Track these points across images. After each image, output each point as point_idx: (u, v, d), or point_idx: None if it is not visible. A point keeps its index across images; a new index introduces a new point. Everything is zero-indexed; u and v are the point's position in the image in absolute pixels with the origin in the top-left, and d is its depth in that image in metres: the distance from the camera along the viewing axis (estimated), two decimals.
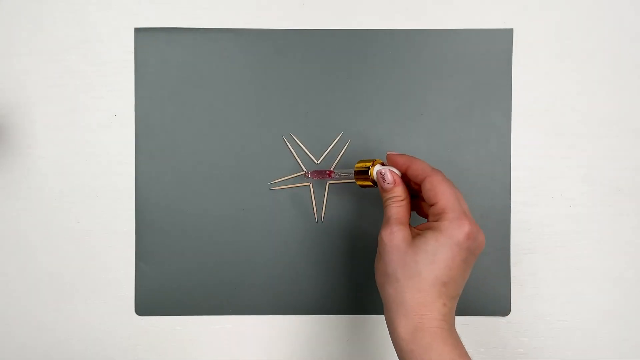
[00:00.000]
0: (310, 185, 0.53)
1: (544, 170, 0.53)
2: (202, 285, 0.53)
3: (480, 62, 0.52)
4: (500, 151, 0.53)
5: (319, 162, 0.53)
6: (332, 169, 0.52)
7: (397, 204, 0.40)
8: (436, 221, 0.38)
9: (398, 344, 0.38)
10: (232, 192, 0.53)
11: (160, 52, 0.53)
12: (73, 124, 0.53)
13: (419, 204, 0.44)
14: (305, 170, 0.52)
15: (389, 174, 0.41)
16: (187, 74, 0.53)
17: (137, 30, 0.53)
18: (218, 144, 0.53)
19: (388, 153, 0.42)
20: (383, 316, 0.53)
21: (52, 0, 0.53)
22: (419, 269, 0.37)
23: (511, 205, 0.53)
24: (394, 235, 0.38)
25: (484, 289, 0.53)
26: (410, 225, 0.41)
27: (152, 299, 0.53)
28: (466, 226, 0.37)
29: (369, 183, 0.43)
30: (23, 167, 0.53)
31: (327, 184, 0.52)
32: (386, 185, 0.41)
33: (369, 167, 0.43)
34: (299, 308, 0.53)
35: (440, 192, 0.38)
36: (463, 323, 0.52)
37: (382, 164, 0.43)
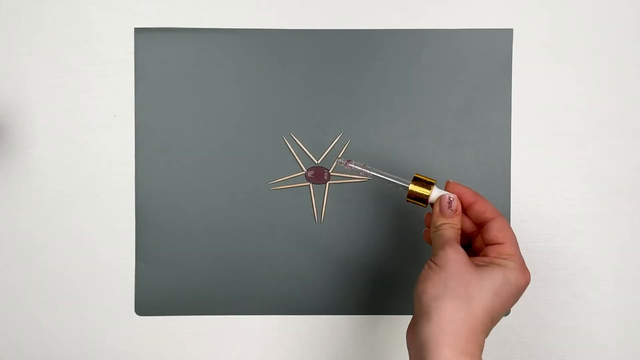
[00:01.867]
0: (310, 185, 0.53)
1: (544, 170, 0.53)
2: (202, 285, 0.53)
3: (480, 62, 0.52)
4: (500, 151, 0.53)
5: (319, 162, 0.53)
6: (330, 171, 0.52)
7: (454, 229, 0.40)
8: (504, 259, 0.39)
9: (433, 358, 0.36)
10: (232, 192, 0.53)
11: (160, 52, 0.53)
12: (73, 124, 0.53)
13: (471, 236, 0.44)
14: (305, 170, 0.52)
15: (456, 201, 0.41)
16: (187, 74, 0.53)
17: (137, 30, 0.53)
18: (218, 143, 0.53)
19: (451, 181, 0.42)
20: (383, 316, 0.53)
21: (52, 0, 0.53)
22: (482, 295, 0.37)
23: (511, 205, 0.53)
24: (463, 255, 0.38)
25: None
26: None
27: (152, 299, 0.53)
28: (528, 275, 0.39)
29: (417, 201, 0.42)
30: (23, 167, 0.53)
31: (327, 184, 0.52)
32: (449, 212, 0.41)
33: (426, 189, 0.41)
34: (299, 308, 0.53)
35: (509, 236, 0.40)
36: None
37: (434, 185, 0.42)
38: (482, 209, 0.41)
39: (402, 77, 0.52)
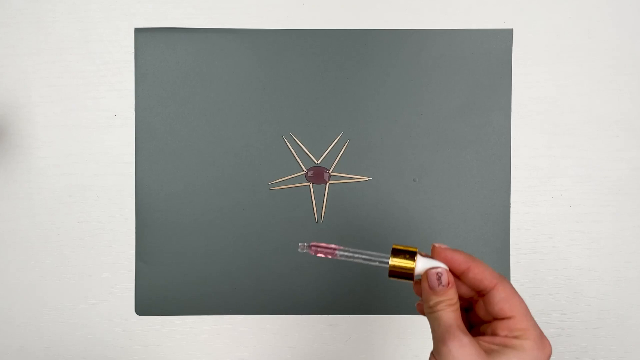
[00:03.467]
0: (310, 185, 0.53)
1: (544, 170, 0.53)
2: (202, 285, 0.53)
3: (480, 62, 0.52)
4: (500, 151, 0.53)
5: (319, 162, 0.53)
6: (330, 171, 0.52)
7: (451, 308, 0.34)
8: (515, 338, 0.33)
9: None
10: (232, 192, 0.53)
11: (160, 52, 0.53)
12: (73, 124, 0.53)
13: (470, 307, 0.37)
14: (305, 170, 0.52)
15: (446, 275, 0.34)
16: (187, 74, 0.53)
17: (137, 30, 0.53)
18: (218, 144, 0.53)
19: (437, 246, 0.35)
20: (383, 316, 0.53)
21: (52, 0, 0.53)
22: None
23: (511, 205, 0.53)
24: (469, 347, 0.32)
25: None
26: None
27: (152, 299, 0.53)
28: (548, 348, 0.33)
29: (402, 278, 0.35)
30: (23, 167, 0.53)
31: (327, 184, 0.52)
32: (440, 288, 0.34)
33: (410, 261, 0.35)
34: (299, 308, 0.53)
35: (517, 305, 0.33)
36: None
37: (421, 254, 0.35)
38: (479, 276, 0.34)
39: (402, 77, 0.52)
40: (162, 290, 0.53)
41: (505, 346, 0.33)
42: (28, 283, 0.53)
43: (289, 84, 0.53)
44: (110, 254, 0.53)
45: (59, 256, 0.53)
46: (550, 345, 0.33)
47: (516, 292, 0.34)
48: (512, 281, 0.53)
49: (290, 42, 0.52)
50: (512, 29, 0.53)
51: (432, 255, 0.35)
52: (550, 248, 0.53)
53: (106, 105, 0.53)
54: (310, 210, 0.53)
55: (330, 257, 0.36)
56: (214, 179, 0.53)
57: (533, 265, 0.53)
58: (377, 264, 0.36)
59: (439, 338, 0.33)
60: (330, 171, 0.52)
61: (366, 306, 0.53)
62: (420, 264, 0.34)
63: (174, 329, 0.53)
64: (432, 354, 0.33)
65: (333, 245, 0.36)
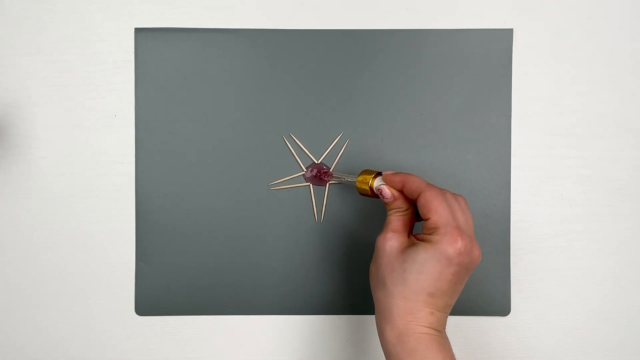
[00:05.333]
0: (310, 185, 0.53)
1: (544, 170, 0.53)
2: (202, 285, 0.53)
3: (480, 62, 0.52)
4: (500, 151, 0.53)
5: (319, 162, 0.53)
6: (331, 170, 0.52)
7: (398, 214, 0.42)
8: (429, 234, 0.39)
9: (385, 346, 0.40)
10: (232, 192, 0.53)
11: (160, 52, 0.53)
12: (73, 124, 0.53)
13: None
14: (304, 170, 0.52)
15: (386, 190, 0.42)
16: (187, 74, 0.53)
17: (137, 30, 0.53)
18: (218, 143, 0.53)
19: (384, 173, 0.43)
20: None
21: (52, 0, 0.53)
22: (405, 277, 0.38)
23: (511, 205, 0.53)
24: (387, 242, 0.40)
25: (484, 289, 0.53)
26: (411, 234, 0.42)
27: (152, 299, 0.53)
28: (458, 242, 0.37)
29: (370, 194, 0.45)
30: (23, 167, 0.53)
31: (327, 184, 0.52)
32: (386, 200, 0.42)
33: (369, 181, 0.44)
34: (299, 308, 0.53)
35: (434, 208, 0.39)
36: (463, 323, 0.52)
37: (381, 174, 0.44)
38: (412, 188, 0.40)
39: (402, 77, 0.52)
40: (162, 290, 0.53)
41: (422, 240, 0.39)
42: (28, 283, 0.53)
43: (289, 84, 0.53)
44: (110, 254, 0.53)
45: (59, 256, 0.53)
46: (462, 240, 0.37)
47: (440, 197, 0.39)
48: (512, 281, 0.53)
49: (290, 42, 0.52)
50: (512, 29, 0.53)
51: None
52: (550, 248, 0.53)
53: (106, 105, 0.53)
54: (310, 210, 0.53)
55: (326, 178, 0.51)
56: (214, 179, 0.53)
57: (533, 265, 0.53)
58: (351, 181, 0.47)
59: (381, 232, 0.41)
60: (330, 171, 0.52)
61: (366, 306, 0.53)
62: (376, 182, 0.44)
63: (174, 329, 0.53)
64: None
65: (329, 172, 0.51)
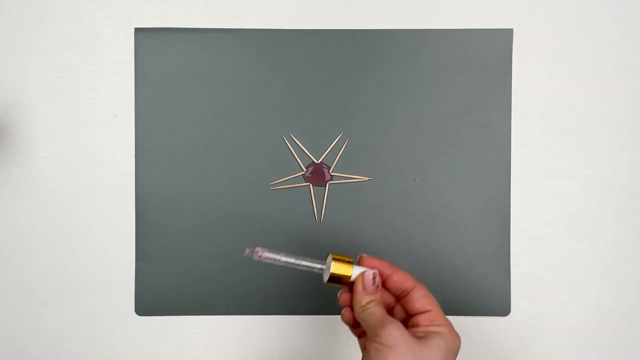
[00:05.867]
0: (310, 185, 0.53)
1: (544, 170, 0.53)
2: (202, 285, 0.53)
3: (480, 62, 0.52)
4: (500, 151, 0.53)
5: (318, 162, 0.53)
6: (331, 170, 0.52)
7: (381, 306, 0.39)
8: (436, 326, 0.39)
9: None
10: (232, 192, 0.53)
11: (160, 52, 0.53)
12: (73, 124, 0.53)
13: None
14: (304, 170, 0.52)
15: (379, 276, 0.40)
16: (187, 74, 0.53)
17: (137, 30, 0.53)
18: (218, 144, 0.53)
19: (365, 256, 0.41)
20: None
21: (53, 0, 0.53)
22: None
23: (511, 205, 0.53)
24: (403, 330, 0.37)
25: (484, 289, 0.53)
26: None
27: (152, 299, 0.53)
28: (458, 337, 0.39)
29: (338, 283, 0.40)
30: (23, 167, 0.53)
31: (327, 184, 0.52)
32: (373, 288, 0.39)
33: (348, 267, 0.39)
34: (299, 308, 0.53)
35: (434, 302, 0.40)
36: (463, 323, 0.52)
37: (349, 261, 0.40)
38: (402, 279, 0.40)
39: (402, 77, 0.52)
40: (162, 290, 0.53)
41: (431, 333, 0.38)
42: (28, 283, 0.53)
43: (289, 84, 0.53)
44: (110, 254, 0.53)
45: (59, 256, 0.53)
46: (459, 337, 0.39)
47: (430, 293, 0.40)
48: (512, 281, 0.53)
49: (290, 42, 0.53)
50: (512, 29, 0.53)
51: (359, 263, 0.40)
52: (550, 248, 0.53)
53: (106, 105, 0.53)
54: (310, 210, 0.53)
55: (273, 262, 0.41)
56: (214, 179, 0.53)
57: (533, 265, 0.53)
58: (317, 270, 0.40)
59: (377, 325, 0.38)
60: (330, 171, 0.52)
61: None
62: (356, 270, 0.39)
63: (174, 329, 0.53)
64: (372, 342, 0.37)
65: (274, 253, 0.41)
